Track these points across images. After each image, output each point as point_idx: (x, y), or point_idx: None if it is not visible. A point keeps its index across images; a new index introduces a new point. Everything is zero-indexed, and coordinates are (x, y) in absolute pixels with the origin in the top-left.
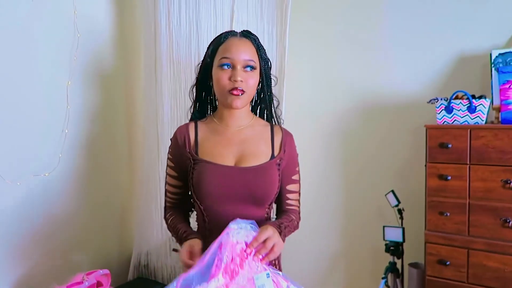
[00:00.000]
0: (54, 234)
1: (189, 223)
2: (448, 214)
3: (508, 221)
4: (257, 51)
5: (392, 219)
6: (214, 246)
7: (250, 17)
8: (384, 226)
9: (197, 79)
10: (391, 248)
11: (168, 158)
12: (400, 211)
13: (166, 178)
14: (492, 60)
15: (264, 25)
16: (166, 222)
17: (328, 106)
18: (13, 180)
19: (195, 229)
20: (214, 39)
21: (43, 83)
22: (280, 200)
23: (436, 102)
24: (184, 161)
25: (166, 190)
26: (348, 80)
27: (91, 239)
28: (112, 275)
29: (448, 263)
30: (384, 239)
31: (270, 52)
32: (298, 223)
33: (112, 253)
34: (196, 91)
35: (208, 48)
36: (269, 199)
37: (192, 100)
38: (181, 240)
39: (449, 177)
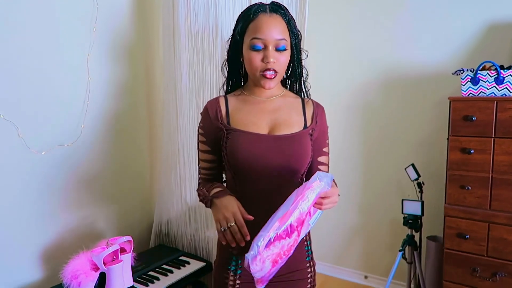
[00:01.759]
0: (79, 202)
1: None
2: (470, 188)
3: None
4: (287, 26)
5: (411, 193)
6: (295, 194)
7: None
8: (403, 200)
9: (228, 55)
10: (410, 221)
11: (199, 133)
12: (419, 185)
13: (198, 155)
14: None
15: None
16: (198, 192)
17: (348, 78)
18: (38, 150)
19: None
20: (243, 14)
21: (64, 55)
22: (310, 172)
23: (462, 73)
24: (216, 133)
25: (199, 168)
26: (369, 52)
27: (115, 208)
28: (134, 242)
29: (467, 236)
30: (402, 213)
31: None
32: None
33: (134, 221)
34: (228, 68)
35: (237, 23)
36: (303, 168)
37: (224, 76)
38: (216, 193)
39: (472, 151)
